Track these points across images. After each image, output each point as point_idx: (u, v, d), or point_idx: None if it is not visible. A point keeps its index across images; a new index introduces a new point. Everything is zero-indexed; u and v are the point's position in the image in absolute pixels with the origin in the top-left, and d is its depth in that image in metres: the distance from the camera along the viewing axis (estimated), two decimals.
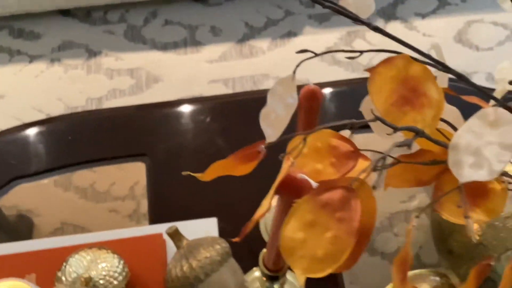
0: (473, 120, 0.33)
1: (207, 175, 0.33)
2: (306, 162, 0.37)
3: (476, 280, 0.44)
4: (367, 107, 0.33)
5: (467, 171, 0.31)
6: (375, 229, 0.95)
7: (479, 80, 1.55)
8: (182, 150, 0.94)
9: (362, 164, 0.37)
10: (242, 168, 0.34)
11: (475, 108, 0.36)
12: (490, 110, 0.32)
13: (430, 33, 1.62)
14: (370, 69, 0.32)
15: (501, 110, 0.32)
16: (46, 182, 1.01)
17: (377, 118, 0.31)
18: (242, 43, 1.62)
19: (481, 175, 0.31)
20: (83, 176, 1.09)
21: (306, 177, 0.33)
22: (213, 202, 0.87)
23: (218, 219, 0.87)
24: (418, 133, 0.32)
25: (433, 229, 0.69)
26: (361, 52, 0.39)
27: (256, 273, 0.78)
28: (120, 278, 0.74)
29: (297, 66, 0.43)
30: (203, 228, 0.85)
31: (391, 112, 0.32)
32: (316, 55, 0.41)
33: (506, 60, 0.47)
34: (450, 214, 0.40)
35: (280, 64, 1.58)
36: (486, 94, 0.42)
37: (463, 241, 0.61)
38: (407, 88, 0.32)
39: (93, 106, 1.56)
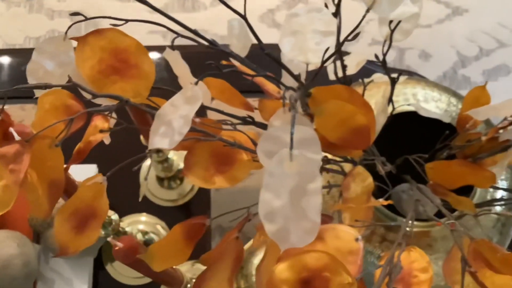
0: (178, 94, 0.36)
1: None
2: (47, 119, 0.40)
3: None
4: (75, 74, 0.36)
5: (156, 139, 0.34)
6: None
7: (412, 56, 1.57)
8: None
9: (101, 123, 0.41)
10: None
11: None
12: (189, 87, 0.35)
13: None
14: (78, 38, 0.35)
15: (196, 89, 0.35)
16: None
17: (74, 85, 0.34)
18: None
19: (164, 143, 0.34)
20: (12, 113, 1.11)
21: (13, 131, 0.36)
22: (94, 149, 0.91)
23: (97, 165, 0.91)
24: (122, 101, 0.35)
25: None
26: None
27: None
28: None
29: (69, 27, 0.46)
30: (82, 174, 0.88)
31: (98, 79, 0.35)
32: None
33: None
34: (197, 178, 0.43)
35: (220, 22, 1.59)
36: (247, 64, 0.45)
37: None
38: (117, 59, 0.35)
39: (31, 45, 1.57)
